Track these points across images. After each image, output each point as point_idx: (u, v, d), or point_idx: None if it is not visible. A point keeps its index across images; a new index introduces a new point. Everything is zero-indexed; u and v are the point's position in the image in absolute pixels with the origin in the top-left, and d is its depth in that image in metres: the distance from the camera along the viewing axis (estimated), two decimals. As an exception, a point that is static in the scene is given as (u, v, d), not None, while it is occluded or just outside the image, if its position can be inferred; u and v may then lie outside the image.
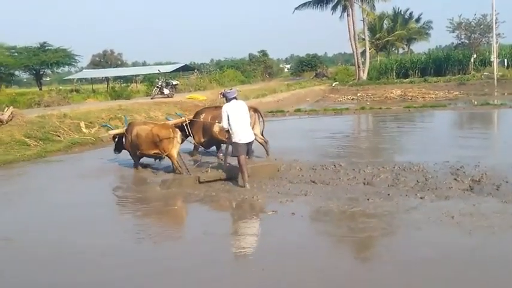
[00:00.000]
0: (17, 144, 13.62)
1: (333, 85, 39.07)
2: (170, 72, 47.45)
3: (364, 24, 43.46)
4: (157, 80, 30.99)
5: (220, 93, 9.59)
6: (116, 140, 11.18)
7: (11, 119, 15.27)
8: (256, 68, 54.65)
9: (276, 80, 50.87)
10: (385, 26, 57.59)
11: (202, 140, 11.29)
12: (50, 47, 51.03)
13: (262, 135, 11.25)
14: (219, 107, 10.58)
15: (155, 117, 20.05)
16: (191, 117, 11.67)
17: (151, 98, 26.07)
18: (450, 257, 5.40)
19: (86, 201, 8.57)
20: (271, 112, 23.08)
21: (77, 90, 43.23)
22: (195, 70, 48.57)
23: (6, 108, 16.26)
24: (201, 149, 11.81)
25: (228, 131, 8.91)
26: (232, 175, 9.15)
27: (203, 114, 11.40)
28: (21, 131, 14.38)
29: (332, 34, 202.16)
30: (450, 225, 6.23)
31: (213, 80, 38.17)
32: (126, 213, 8.09)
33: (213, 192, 8.53)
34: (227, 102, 9.01)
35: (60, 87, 39.64)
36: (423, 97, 29.14)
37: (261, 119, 11.38)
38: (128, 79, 56.34)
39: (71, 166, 12.25)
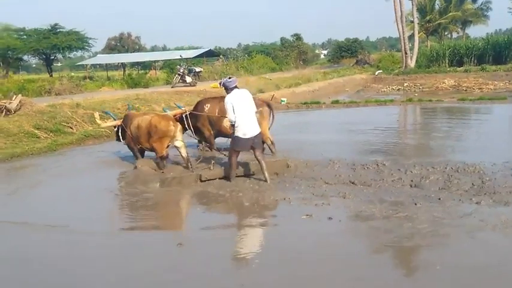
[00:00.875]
0: (26, 136, 13.90)
1: (376, 73, 38.66)
2: (193, 58, 47.82)
3: (412, 5, 42.65)
4: (178, 66, 31.21)
5: (219, 83, 9.41)
6: (115, 129, 11.12)
7: (19, 108, 15.64)
8: (288, 53, 54.55)
9: (311, 68, 50.68)
10: (437, 7, 56.70)
11: (212, 132, 11.37)
12: (61, 29, 51.99)
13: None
14: (224, 98, 10.14)
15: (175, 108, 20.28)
16: (191, 108, 11.71)
17: (172, 87, 26.33)
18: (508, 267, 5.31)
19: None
20: (305, 103, 23.04)
21: (91, 78, 44.02)
22: (221, 56, 48.88)
23: (14, 96, 16.63)
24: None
25: (233, 125, 8.87)
26: (238, 173, 9.28)
27: (208, 105, 11.38)
28: (31, 121, 14.69)
29: (375, 16, 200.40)
30: (509, 234, 6.12)
31: (240, 67, 38.31)
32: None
33: (240, 193, 8.56)
34: (228, 92, 8.92)
35: (72, 74, 40.54)
36: (480, 88, 28.61)
37: (271, 114, 11.29)
38: (146, 65, 57.07)
39: (86, 158, 12.49)
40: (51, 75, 46.42)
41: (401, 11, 39.38)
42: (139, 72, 47.04)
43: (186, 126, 11.19)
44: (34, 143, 13.51)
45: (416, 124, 18.42)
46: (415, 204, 7.32)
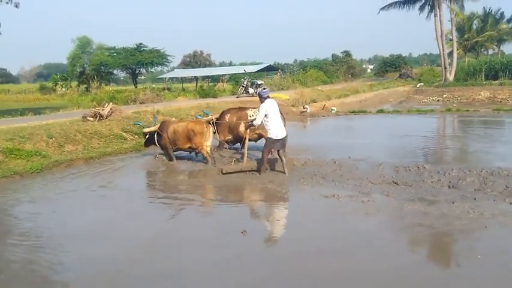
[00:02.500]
0: (115, 137, 14.41)
1: (418, 86, 37.67)
2: (255, 72, 48.10)
3: (452, 25, 41.27)
4: (242, 79, 31.52)
5: (255, 92, 10.09)
6: (147, 137, 11.82)
7: (110, 115, 16.23)
8: (338, 68, 53.97)
9: (359, 81, 49.99)
10: (474, 27, 54.68)
11: (228, 137, 11.94)
12: (145, 48, 53.66)
13: None
14: (242, 108, 12.24)
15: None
16: (217, 116, 12.24)
17: (237, 97, 26.60)
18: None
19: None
20: (353, 112, 22.78)
21: (169, 89, 45.10)
22: (279, 70, 48.87)
23: (106, 104, 17.29)
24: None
25: (249, 128, 10.01)
26: (253, 167, 9.72)
27: (228, 115, 12.05)
28: (119, 125, 15.20)
29: (417, 34, 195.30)
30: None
31: (296, 80, 38.19)
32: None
33: (290, 187, 8.56)
34: (262, 100, 9.39)
35: (153, 86, 41.68)
36: (514, 99, 27.38)
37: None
38: (215, 78, 57.88)
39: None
40: (136, 87, 47.91)
41: (441, 30, 38.26)
42: (210, 84, 47.88)
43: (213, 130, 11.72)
44: (122, 144, 13.98)
45: (454, 131, 17.82)
46: (453, 203, 7.12)
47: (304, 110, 23.76)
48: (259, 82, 32.60)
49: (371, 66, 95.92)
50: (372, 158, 10.47)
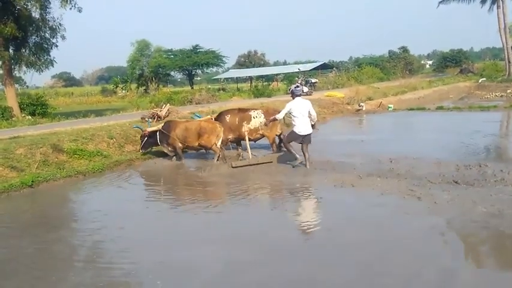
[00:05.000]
0: (173, 137, 14.75)
1: (480, 81, 36.21)
2: (309, 70, 47.83)
3: (515, 16, 39.42)
4: (296, 78, 31.50)
5: (289, 89, 11.01)
6: (145, 139, 12.26)
7: (167, 115, 16.64)
8: (395, 64, 52.72)
9: (417, 77, 48.54)
10: (541, 18, 51.74)
11: (228, 137, 12.25)
12: (201, 49, 54.64)
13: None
14: (243, 109, 12.75)
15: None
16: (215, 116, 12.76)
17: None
18: None
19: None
20: (411, 109, 22.22)
21: (224, 89, 45.62)
22: (334, 68, 48.40)
23: (164, 105, 17.76)
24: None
25: (272, 122, 11.13)
26: (259, 161, 10.67)
27: (228, 116, 12.46)
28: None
29: (479, 28, 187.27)
30: None
31: (351, 78, 37.67)
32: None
33: (342, 182, 8.49)
34: (293, 97, 10.16)
35: (209, 86, 42.24)
36: None
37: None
38: (269, 78, 58.08)
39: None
40: (192, 88, 48.77)
41: (504, 22, 36.67)
42: (264, 83, 48.01)
43: None
44: (179, 144, 14.29)
45: (520, 128, 16.97)
46: (518, 203, 6.74)
47: (359, 108, 23.40)
48: (313, 80, 32.55)
49: (430, 62, 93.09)
50: (430, 156, 10.15)
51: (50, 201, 9.19)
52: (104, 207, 8.31)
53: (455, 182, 8.14)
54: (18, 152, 10.98)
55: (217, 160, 11.47)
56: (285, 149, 10.72)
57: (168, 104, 18.16)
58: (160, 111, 16.73)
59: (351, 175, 9.14)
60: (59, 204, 9.12)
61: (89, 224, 7.41)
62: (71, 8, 23.08)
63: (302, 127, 10.02)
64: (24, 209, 8.54)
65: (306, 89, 27.27)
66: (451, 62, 57.93)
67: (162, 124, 12.41)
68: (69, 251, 6.31)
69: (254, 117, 12.15)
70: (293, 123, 10.18)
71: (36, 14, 23.06)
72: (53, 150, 11.52)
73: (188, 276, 5.19)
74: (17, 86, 33.75)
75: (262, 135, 12.29)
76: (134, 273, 5.31)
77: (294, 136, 10.15)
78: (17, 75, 27.50)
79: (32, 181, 9.74)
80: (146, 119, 15.09)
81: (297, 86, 10.72)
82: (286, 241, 6.08)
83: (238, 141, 12.55)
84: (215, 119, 12.41)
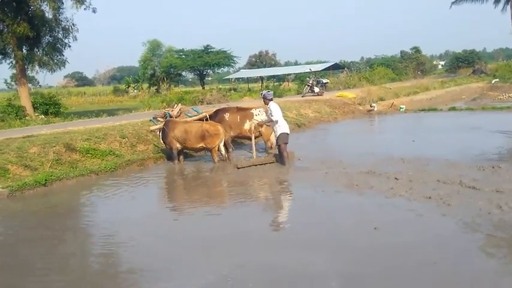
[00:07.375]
0: (184, 137, 14.81)
1: (493, 82, 35.89)
2: (320, 71, 47.70)
3: (529, 16, 38.96)
4: (308, 78, 31.34)
5: (261, 94, 11.55)
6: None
7: (179, 115, 16.61)
8: (407, 65, 52.38)
9: (429, 77, 48.15)
10: (555, 17, 51.11)
11: (230, 135, 12.46)
12: (212, 50, 54.69)
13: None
14: (242, 108, 13.03)
15: (305, 115, 20.44)
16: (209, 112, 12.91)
17: (302, 96, 26.47)
18: None
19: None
20: (422, 110, 22.11)
21: (235, 89, 45.70)
22: (345, 68, 48.20)
23: (176, 105, 17.75)
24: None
25: (260, 126, 11.62)
26: (263, 162, 10.89)
27: (227, 114, 12.67)
28: (188, 125, 15.60)
29: (492, 28, 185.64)
30: None
31: (362, 78, 37.50)
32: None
33: (356, 184, 8.48)
34: (267, 102, 10.93)
35: (220, 87, 42.31)
36: None
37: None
38: (280, 78, 58.03)
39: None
40: (203, 88, 48.91)
41: (517, 22, 36.20)
42: (275, 84, 47.98)
43: None
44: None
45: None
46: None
47: (371, 108, 23.32)
48: (324, 81, 32.42)
49: (442, 63, 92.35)
50: (443, 157, 10.10)
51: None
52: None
53: (469, 184, 7.96)
54: (31, 151, 11.12)
55: (228, 161, 11.65)
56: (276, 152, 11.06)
57: (180, 104, 18.19)
58: (172, 110, 16.76)
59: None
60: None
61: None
62: (85, 9, 23.24)
63: (284, 127, 10.77)
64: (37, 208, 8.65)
65: (317, 89, 27.23)
66: (464, 62, 57.50)
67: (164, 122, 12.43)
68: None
69: (256, 115, 12.46)
70: (275, 126, 10.75)
71: (49, 14, 23.28)
72: (66, 149, 11.66)
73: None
74: (30, 85, 34.10)
75: (260, 134, 12.46)
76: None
77: (284, 137, 10.68)
78: (30, 74, 27.76)
79: (46, 180, 9.87)
80: (158, 118, 15.15)
81: (269, 91, 11.62)
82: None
83: (239, 138, 12.94)
84: (210, 117, 12.52)
